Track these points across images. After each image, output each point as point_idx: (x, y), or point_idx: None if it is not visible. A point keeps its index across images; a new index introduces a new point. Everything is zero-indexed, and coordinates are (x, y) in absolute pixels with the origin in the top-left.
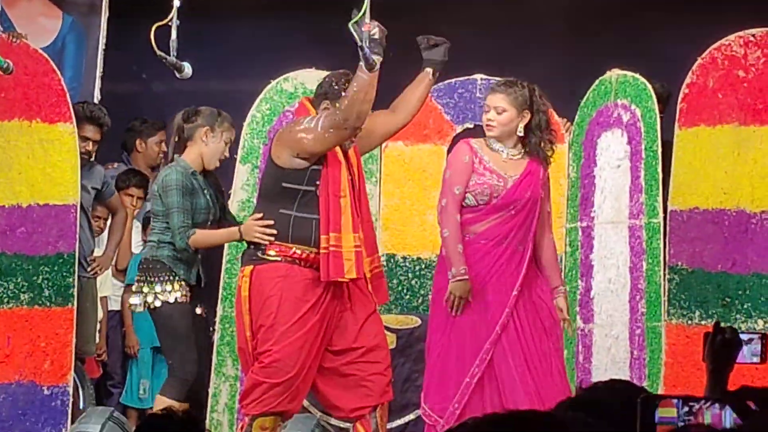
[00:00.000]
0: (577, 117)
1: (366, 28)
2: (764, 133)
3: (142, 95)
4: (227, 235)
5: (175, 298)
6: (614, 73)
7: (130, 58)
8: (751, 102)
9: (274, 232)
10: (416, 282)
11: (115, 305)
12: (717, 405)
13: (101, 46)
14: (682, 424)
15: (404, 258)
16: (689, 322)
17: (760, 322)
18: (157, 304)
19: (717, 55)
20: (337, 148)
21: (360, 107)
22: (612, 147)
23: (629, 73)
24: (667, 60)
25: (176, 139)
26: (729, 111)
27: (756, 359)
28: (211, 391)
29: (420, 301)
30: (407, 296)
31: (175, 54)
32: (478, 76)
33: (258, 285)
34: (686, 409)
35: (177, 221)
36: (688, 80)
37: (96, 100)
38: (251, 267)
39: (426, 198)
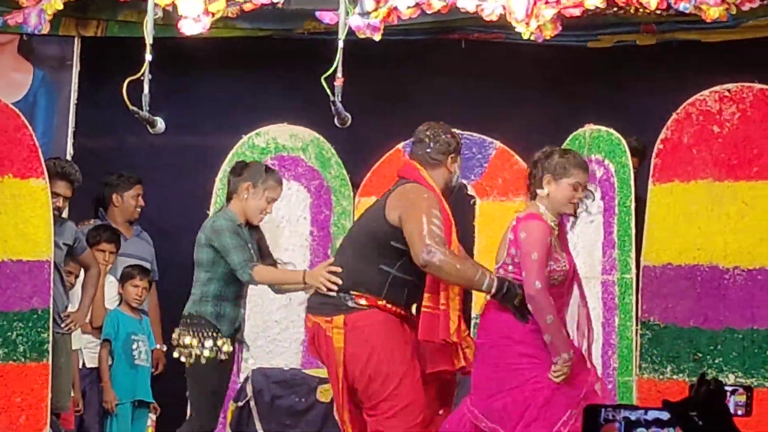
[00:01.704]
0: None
1: (338, 82)
2: (738, 189)
3: (115, 150)
4: (291, 275)
5: (218, 356)
6: (588, 128)
7: (103, 113)
8: (725, 157)
9: (339, 281)
10: None
11: (91, 362)
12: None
13: (73, 101)
14: None
15: None
16: (661, 377)
17: (732, 377)
18: (198, 359)
19: (692, 110)
20: (448, 209)
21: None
22: (585, 202)
23: (603, 128)
24: (641, 116)
25: (228, 189)
26: (703, 166)
27: (741, 412)
28: None
29: None
30: None
31: (148, 109)
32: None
33: (356, 334)
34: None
35: (237, 258)
36: (662, 136)
37: (69, 155)
38: (342, 316)
39: None
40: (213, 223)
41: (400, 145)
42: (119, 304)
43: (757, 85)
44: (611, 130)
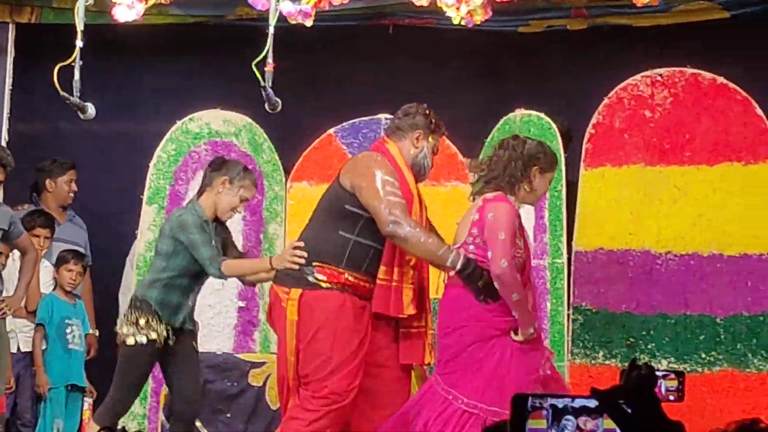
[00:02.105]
0: (481, 156)
1: (269, 68)
2: (670, 174)
3: (50, 136)
4: (258, 264)
5: (151, 340)
6: (518, 113)
7: (37, 99)
8: (657, 142)
9: (305, 254)
10: None
11: (26, 346)
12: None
13: (8, 87)
14: None
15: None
16: (593, 362)
17: (664, 362)
18: (134, 340)
19: (623, 95)
20: (412, 182)
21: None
22: None
23: (533, 113)
24: (572, 100)
25: (202, 182)
26: (635, 151)
27: (673, 397)
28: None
29: None
30: None
31: (79, 94)
32: (382, 116)
33: (309, 312)
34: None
35: (205, 253)
36: (594, 120)
37: (4, 141)
38: (299, 291)
39: None
40: (179, 216)
41: (331, 130)
42: (54, 288)
43: (689, 70)
44: (542, 115)
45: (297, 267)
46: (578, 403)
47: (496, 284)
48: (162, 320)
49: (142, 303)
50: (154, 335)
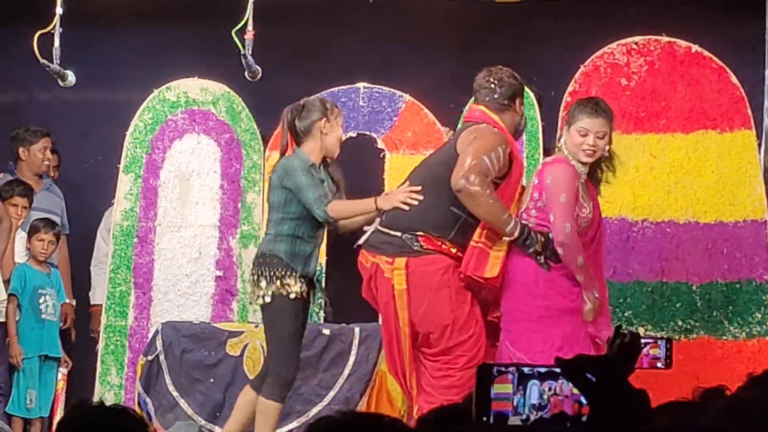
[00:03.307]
0: (459, 125)
1: (249, 36)
2: (646, 141)
3: (26, 104)
4: (363, 205)
5: (294, 295)
6: None
7: (14, 66)
8: (633, 110)
9: (420, 197)
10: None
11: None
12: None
13: None
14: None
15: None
16: None
17: (641, 329)
18: (275, 298)
19: (599, 63)
20: (519, 153)
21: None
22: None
23: None
24: (550, 69)
25: (287, 136)
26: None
27: (660, 365)
28: (95, 399)
29: None
30: None
31: (59, 62)
32: (360, 85)
33: (419, 278)
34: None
35: (312, 195)
36: (570, 88)
37: None
38: (404, 259)
39: None
40: (285, 163)
41: (310, 99)
42: (29, 258)
43: (665, 38)
44: None
45: (397, 233)
46: (544, 368)
47: (559, 250)
48: (296, 272)
49: (272, 258)
50: (291, 289)
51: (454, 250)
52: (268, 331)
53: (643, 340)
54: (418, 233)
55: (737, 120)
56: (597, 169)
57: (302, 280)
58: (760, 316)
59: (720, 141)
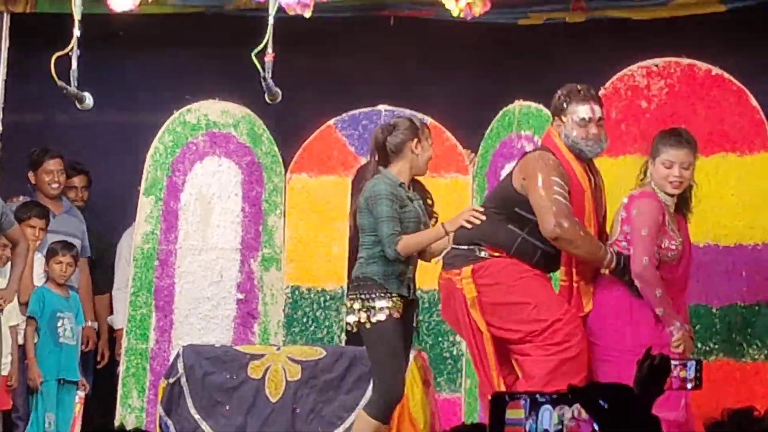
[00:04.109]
0: (480, 148)
1: (268, 58)
2: None
3: (45, 126)
4: (433, 234)
5: (389, 314)
6: (517, 105)
7: (32, 89)
8: (653, 132)
9: (483, 216)
10: (321, 313)
11: (18, 339)
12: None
13: (2, 77)
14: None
15: (309, 290)
16: None
17: None
18: (372, 320)
19: (619, 85)
20: (578, 169)
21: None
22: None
23: (532, 104)
24: None
25: (377, 156)
26: (631, 141)
27: (689, 386)
28: (117, 422)
29: (325, 332)
30: (312, 327)
31: (77, 84)
32: (382, 108)
33: (488, 279)
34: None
35: (386, 230)
36: None
37: None
38: (470, 266)
39: (331, 229)
40: (373, 187)
41: (330, 122)
42: (47, 281)
43: (685, 60)
44: (541, 106)
45: (463, 246)
46: (556, 394)
47: (636, 282)
48: (390, 292)
49: (365, 280)
50: (386, 310)
51: (519, 262)
52: (368, 352)
53: (672, 362)
54: (483, 245)
55: (757, 142)
56: (685, 200)
57: (398, 299)
58: None
59: (740, 164)
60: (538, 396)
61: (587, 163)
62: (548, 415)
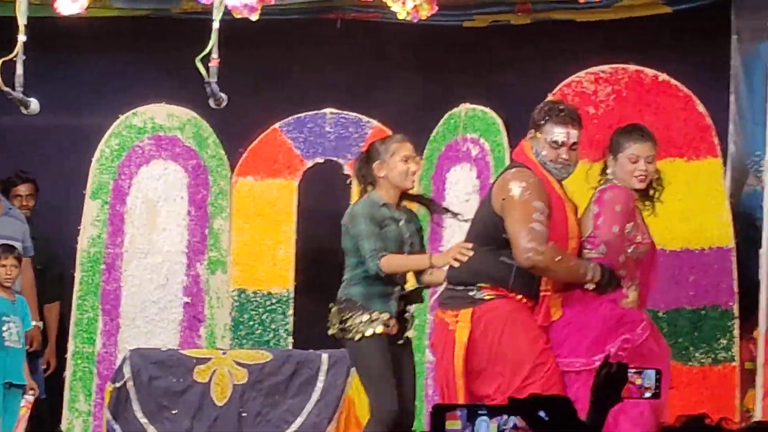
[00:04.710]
0: (426, 151)
1: (213, 63)
2: None
3: None
4: (417, 261)
5: (372, 333)
6: (463, 108)
7: None
8: (600, 138)
9: (471, 253)
10: (267, 317)
11: None
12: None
13: None
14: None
15: (255, 293)
16: None
17: None
18: (355, 339)
19: (567, 91)
20: (555, 184)
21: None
22: (461, 181)
23: (478, 107)
24: (516, 95)
25: (364, 184)
26: (579, 147)
27: (648, 394)
28: (64, 426)
29: (271, 335)
30: (258, 331)
31: (22, 89)
32: (327, 111)
33: (484, 325)
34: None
35: (367, 246)
36: None
37: None
38: (470, 310)
39: (276, 232)
40: (351, 209)
41: (276, 125)
42: None
43: (632, 67)
44: (486, 110)
45: (460, 287)
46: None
47: (602, 247)
48: (370, 311)
49: (346, 302)
50: (369, 329)
51: (519, 297)
52: (357, 371)
53: (630, 370)
54: (479, 285)
55: (703, 148)
56: (648, 195)
57: (384, 317)
58: (725, 342)
59: (686, 169)
60: (476, 407)
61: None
62: (485, 426)
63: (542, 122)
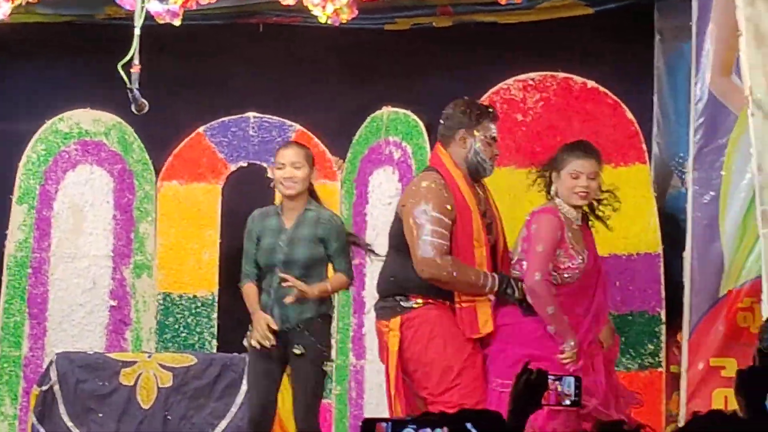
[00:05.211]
0: (349, 154)
1: (135, 69)
2: None
3: None
4: (251, 305)
5: (254, 344)
6: (385, 110)
7: None
8: (529, 145)
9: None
10: (192, 320)
11: None
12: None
13: None
14: None
15: (180, 296)
16: None
17: None
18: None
19: (495, 98)
20: (467, 191)
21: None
22: (383, 184)
23: (401, 110)
24: (439, 97)
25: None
26: (506, 153)
27: (567, 402)
28: None
29: (196, 339)
30: (184, 334)
31: None
32: (251, 114)
33: (412, 331)
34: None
35: (243, 265)
36: None
37: None
38: (398, 318)
39: (201, 236)
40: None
41: (201, 129)
42: None
43: (561, 74)
44: (408, 112)
45: (389, 298)
46: (421, 418)
47: (528, 298)
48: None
49: None
50: (251, 341)
51: (447, 303)
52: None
53: (550, 377)
54: (407, 294)
55: (631, 154)
56: (592, 213)
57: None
58: (652, 347)
59: (615, 175)
60: (403, 421)
61: (475, 180)
62: None
63: (476, 122)
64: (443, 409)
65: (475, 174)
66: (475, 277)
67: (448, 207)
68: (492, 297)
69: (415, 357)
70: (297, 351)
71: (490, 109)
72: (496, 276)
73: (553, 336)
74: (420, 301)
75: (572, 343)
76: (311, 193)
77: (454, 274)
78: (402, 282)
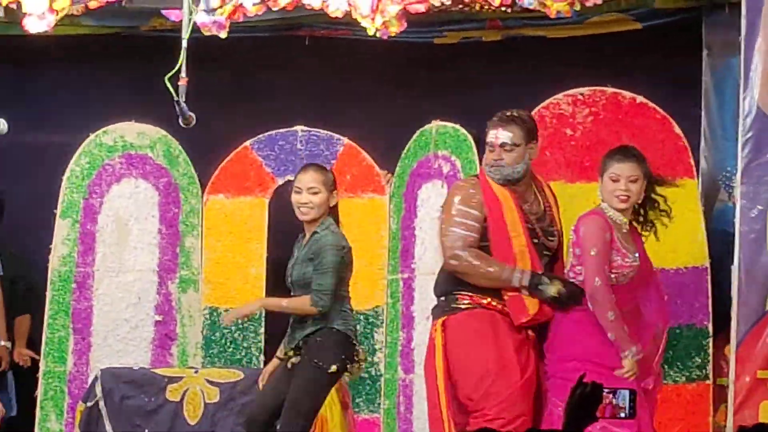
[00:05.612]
0: (398, 168)
1: (182, 82)
2: (590, 190)
3: None
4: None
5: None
6: (434, 125)
7: None
8: (578, 159)
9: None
10: (239, 335)
11: None
12: None
13: None
14: None
15: (227, 311)
16: None
17: None
18: None
19: (545, 113)
20: (500, 190)
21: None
22: (432, 198)
23: (449, 124)
24: (488, 111)
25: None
26: (556, 168)
27: (623, 414)
28: None
29: (243, 354)
30: (230, 349)
31: None
32: (298, 128)
33: (454, 334)
34: None
35: None
36: None
37: None
38: (442, 318)
39: (248, 251)
40: None
41: (247, 142)
42: None
43: (610, 89)
44: (457, 126)
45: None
46: None
47: (590, 304)
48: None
49: None
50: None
51: (494, 303)
52: None
53: (605, 390)
54: (455, 293)
55: (680, 169)
56: (641, 215)
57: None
58: (699, 360)
59: (663, 190)
60: None
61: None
62: None
63: (487, 128)
64: (484, 424)
65: (498, 179)
66: (499, 270)
67: (475, 201)
68: (525, 292)
69: (456, 359)
70: (294, 360)
71: (497, 115)
72: (526, 271)
73: (612, 344)
74: (467, 301)
75: (635, 350)
76: (333, 213)
77: (474, 263)
78: (455, 280)
